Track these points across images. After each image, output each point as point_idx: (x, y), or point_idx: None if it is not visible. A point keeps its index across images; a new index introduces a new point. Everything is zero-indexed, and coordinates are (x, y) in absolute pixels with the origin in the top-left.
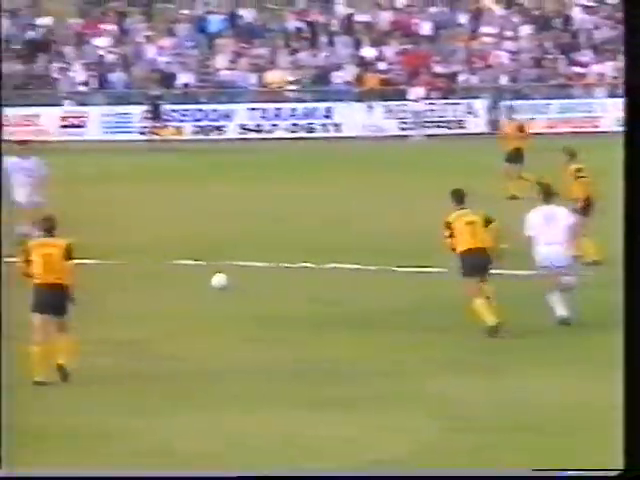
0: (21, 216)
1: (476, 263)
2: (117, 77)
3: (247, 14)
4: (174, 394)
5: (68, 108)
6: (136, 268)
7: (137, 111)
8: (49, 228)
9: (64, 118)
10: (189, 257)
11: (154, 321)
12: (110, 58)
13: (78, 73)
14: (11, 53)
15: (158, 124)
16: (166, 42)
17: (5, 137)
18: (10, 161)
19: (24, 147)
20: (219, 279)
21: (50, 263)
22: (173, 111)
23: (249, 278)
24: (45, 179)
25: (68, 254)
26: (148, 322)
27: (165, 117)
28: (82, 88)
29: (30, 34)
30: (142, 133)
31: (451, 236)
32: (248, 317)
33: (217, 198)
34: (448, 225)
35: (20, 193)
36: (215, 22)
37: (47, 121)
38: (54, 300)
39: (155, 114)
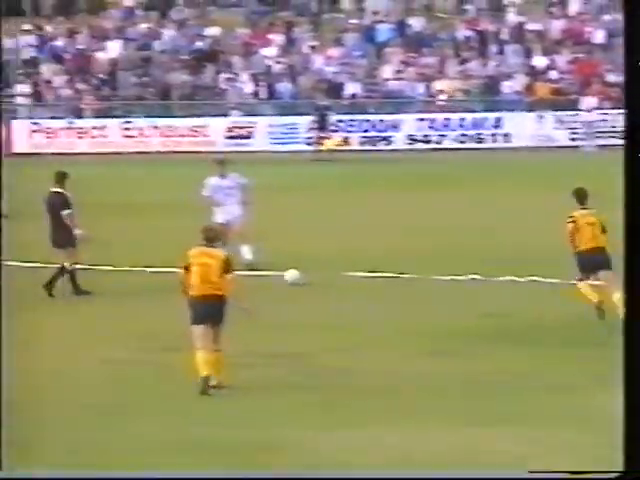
0: (227, 236)
1: (594, 261)
2: (284, 87)
3: (416, 23)
4: (338, 407)
5: (235, 119)
6: (307, 278)
7: (304, 121)
8: (211, 238)
9: (231, 129)
10: (357, 269)
11: (320, 333)
12: (277, 68)
13: (246, 83)
14: (179, 64)
15: (325, 135)
16: (334, 52)
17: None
18: (211, 182)
19: (222, 166)
20: (292, 275)
21: (207, 274)
22: (340, 121)
23: (417, 290)
24: (247, 193)
25: (226, 266)
26: (314, 334)
27: (332, 128)
28: (249, 99)
29: (198, 44)
30: (309, 144)
31: (574, 232)
32: (417, 330)
33: (384, 209)
34: (573, 220)
35: (219, 214)
36: (383, 31)
37: (214, 132)
38: (210, 311)
39: (322, 124)
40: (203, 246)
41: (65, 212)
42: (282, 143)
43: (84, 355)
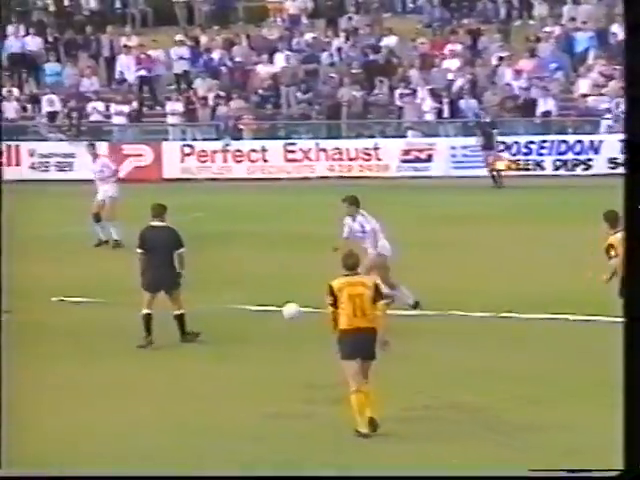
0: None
1: None
2: (468, 104)
3: (620, 30)
4: (523, 465)
5: (412, 140)
6: (481, 321)
7: None
8: (351, 265)
9: (407, 151)
10: (542, 311)
11: (503, 382)
12: (460, 83)
13: (424, 100)
14: (349, 78)
15: (514, 157)
16: (525, 64)
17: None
18: (347, 221)
19: (349, 205)
20: (290, 310)
21: (362, 304)
22: (531, 143)
23: (608, 335)
24: (375, 238)
25: (378, 294)
26: (496, 383)
27: (523, 150)
28: (428, 117)
29: (371, 56)
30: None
31: None
32: (609, 381)
33: (578, 242)
34: None
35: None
36: (582, 40)
37: (388, 155)
38: (363, 345)
39: (489, 145)
40: (348, 276)
41: (180, 250)
42: (465, 167)
43: (242, 408)
